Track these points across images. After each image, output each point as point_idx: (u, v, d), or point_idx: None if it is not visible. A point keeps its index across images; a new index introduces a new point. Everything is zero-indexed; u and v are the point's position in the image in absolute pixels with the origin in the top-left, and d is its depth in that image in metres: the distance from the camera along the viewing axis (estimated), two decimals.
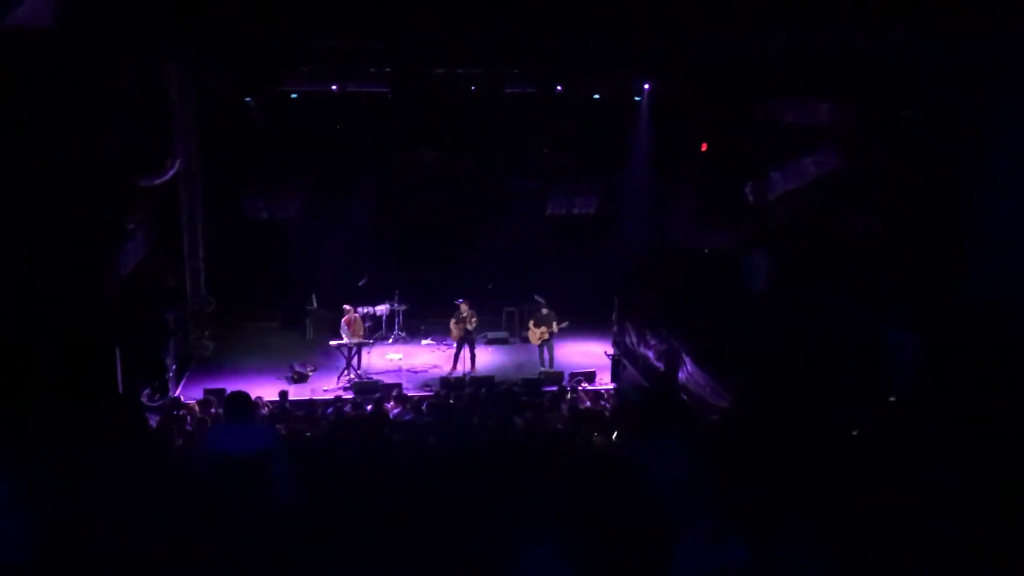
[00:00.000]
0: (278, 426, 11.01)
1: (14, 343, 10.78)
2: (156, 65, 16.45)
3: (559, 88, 18.83)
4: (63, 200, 12.22)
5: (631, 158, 20.50)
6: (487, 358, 18.60)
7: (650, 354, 15.93)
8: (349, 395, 15.69)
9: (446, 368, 17.89)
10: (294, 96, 18.81)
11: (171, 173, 17.38)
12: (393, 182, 20.29)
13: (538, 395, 14.85)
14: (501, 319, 20.42)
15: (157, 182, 16.95)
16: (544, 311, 17.75)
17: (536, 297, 18.54)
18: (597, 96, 19.61)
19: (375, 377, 17.14)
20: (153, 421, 13.11)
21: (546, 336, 17.66)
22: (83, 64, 11.66)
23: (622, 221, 21.02)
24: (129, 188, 15.64)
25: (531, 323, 17.88)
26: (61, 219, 12.24)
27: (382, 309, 19.73)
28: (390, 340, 19.61)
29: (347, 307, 17.81)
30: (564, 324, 17.70)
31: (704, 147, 19.77)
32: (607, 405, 14.37)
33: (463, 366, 17.69)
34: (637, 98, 19.96)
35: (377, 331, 19.53)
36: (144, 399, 14.46)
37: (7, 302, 11.05)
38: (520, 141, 20.20)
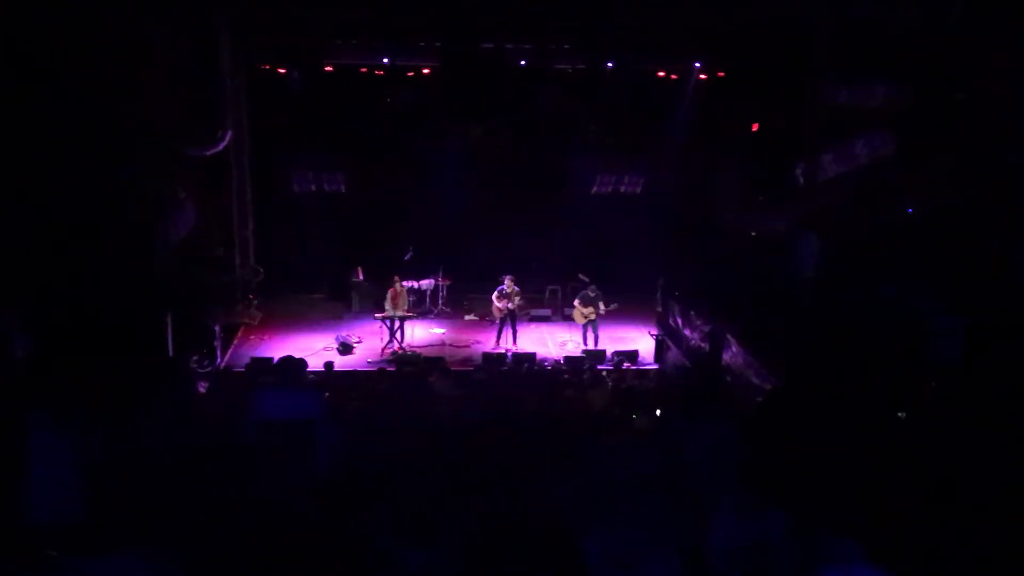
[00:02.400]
0: (325, 394, 11.18)
1: (69, 308, 11.08)
2: (208, 38, 16.69)
3: (609, 65, 18.68)
4: (117, 166, 12.50)
5: (679, 137, 20.31)
6: (529, 335, 18.68)
7: (694, 335, 15.87)
8: (392, 368, 15.86)
9: (488, 344, 18.00)
10: (340, 69, 18.92)
11: (222, 145, 17.62)
12: (440, 157, 20.32)
13: (580, 373, 14.87)
14: (544, 297, 20.45)
15: (209, 153, 17.21)
16: (591, 292, 17.68)
17: (580, 276, 18.51)
18: (647, 73, 19.45)
19: (418, 350, 17.28)
20: (202, 387, 13.41)
21: (592, 317, 17.65)
22: (133, 31, 11.87)
23: (669, 201, 20.87)
24: (182, 158, 15.91)
25: (577, 302, 17.86)
26: (115, 185, 12.53)
27: (426, 283, 19.84)
28: (433, 314, 19.74)
29: (396, 278, 17.97)
30: (612, 307, 17.68)
31: (755, 127, 19.52)
32: (650, 385, 14.36)
33: (505, 342, 17.77)
34: (687, 76, 19.75)
35: (421, 305, 19.67)
36: (193, 365, 14.74)
37: (61, 268, 11.35)
38: (568, 118, 20.12)
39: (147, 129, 13.78)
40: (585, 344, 17.75)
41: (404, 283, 18.48)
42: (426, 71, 18.94)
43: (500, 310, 17.81)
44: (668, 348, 16.92)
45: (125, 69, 13.02)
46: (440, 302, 19.97)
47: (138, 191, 13.28)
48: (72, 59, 11.17)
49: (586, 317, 17.74)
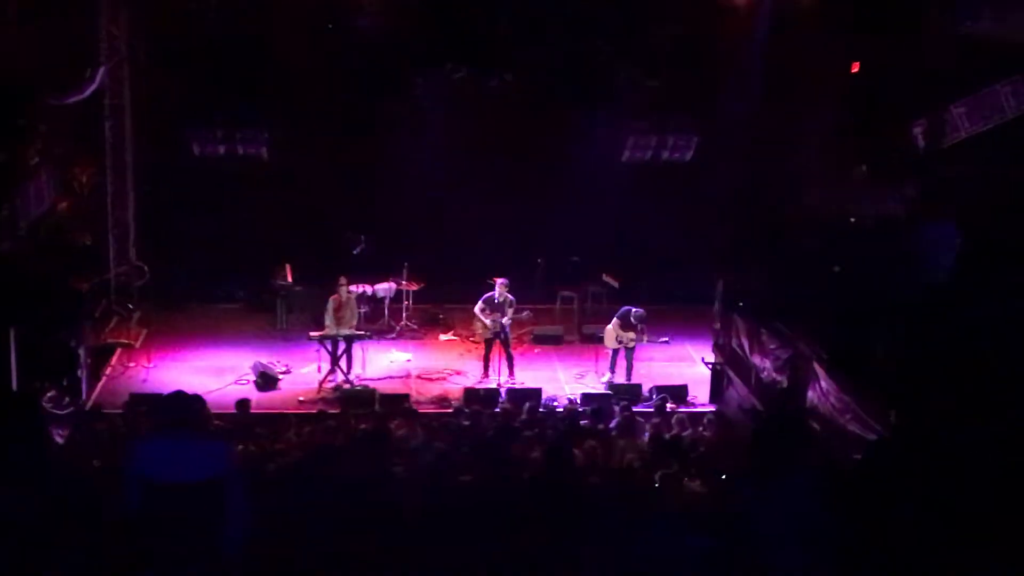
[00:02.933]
0: (236, 446, 11.08)
1: None
2: None
3: None
4: None
5: (746, 83, 20.27)
6: (532, 364, 18.53)
7: (767, 363, 15.81)
8: (335, 408, 15.73)
9: (473, 375, 17.91)
10: None
11: (91, 89, 17.56)
12: (404, 111, 20.25)
13: (605, 417, 14.77)
14: (555, 308, 20.37)
15: (72, 100, 17.14)
16: (636, 316, 17.46)
17: (605, 278, 18.48)
18: None
19: (372, 384, 17.21)
20: (59, 435, 13.27)
21: (630, 344, 17.60)
22: None
23: (731, 173, 20.84)
24: (34, 107, 15.85)
25: (616, 323, 17.76)
26: None
27: (384, 288, 19.71)
28: (394, 333, 19.65)
29: (342, 282, 17.88)
30: (664, 340, 17.82)
31: (855, 67, 19.51)
32: (704, 434, 14.29)
33: (497, 373, 17.72)
34: None
35: (377, 319, 19.54)
36: (48, 404, 14.65)
37: None
38: (591, 57, 20.01)
39: None
40: (613, 376, 17.71)
41: (353, 288, 18.37)
42: None
43: (490, 327, 17.75)
44: (729, 382, 16.86)
45: None
46: (404, 316, 19.89)
47: None
48: None
49: (621, 343, 17.65)
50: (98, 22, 17.42)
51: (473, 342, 18.97)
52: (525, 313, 18.12)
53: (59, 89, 16.79)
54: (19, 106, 15.44)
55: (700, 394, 17.12)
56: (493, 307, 17.66)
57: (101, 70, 17.71)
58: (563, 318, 20.29)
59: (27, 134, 15.70)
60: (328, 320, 17.70)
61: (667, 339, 17.91)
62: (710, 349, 17.98)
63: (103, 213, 19.21)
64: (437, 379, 17.93)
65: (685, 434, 14.08)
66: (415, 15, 19.24)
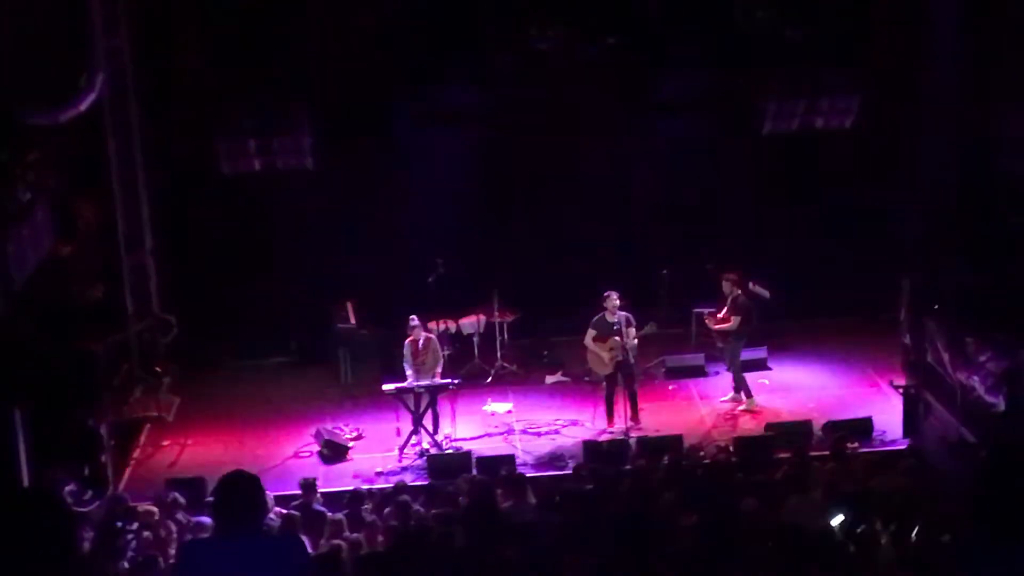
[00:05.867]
0: (303, 537, 11.15)
1: None
2: None
3: None
4: None
5: (929, 23, 19.99)
6: (666, 401, 18.54)
7: (977, 380, 15.62)
8: (422, 480, 15.77)
9: (593, 424, 17.92)
10: None
11: (88, 100, 17.79)
12: (481, 97, 20.40)
13: (768, 467, 14.75)
14: (689, 331, 20.30)
15: (66, 116, 17.38)
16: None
17: (752, 287, 18.35)
18: None
19: (466, 445, 17.29)
20: (87, 537, 13.44)
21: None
22: None
23: (910, 141, 20.60)
24: (19, 131, 16.08)
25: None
26: None
27: (471, 323, 19.84)
28: (488, 378, 19.73)
29: (414, 322, 17.96)
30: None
31: None
32: (900, 481, 14.10)
33: (624, 418, 17.69)
34: None
35: (465, 363, 19.66)
36: (69, 497, 14.84)
37: None
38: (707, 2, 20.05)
39: None
40: (749, 399, 17.90)
41: (432, 326, 18.44)
42: None
43: (607, 359, 17.70)
44: (928, 410, 16.67)
45: None
46: (499, 355, 19.95)
47: None
48: None
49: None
50: (90, 14, 17.55)
51: (588, 381, 18.95)
52: (649, 325, 18.00)
53: (49, 104, 16.95)
54: (1, 131, 15.65)
55: (890, 428, 16.94)
56: (607, 331, 17.59)
57: (99, 77, 17.89)
58: (701, 343, 20.19)
59: (14, 164, 15.90)
60: (406, 367, 17.79)
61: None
62: (898, 369, 17.86)
63: (115, 256, 19.42)
64: (547, 433, 17.99)
65: (873, 482, 13.91)
66: None
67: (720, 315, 18.03)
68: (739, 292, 18.00)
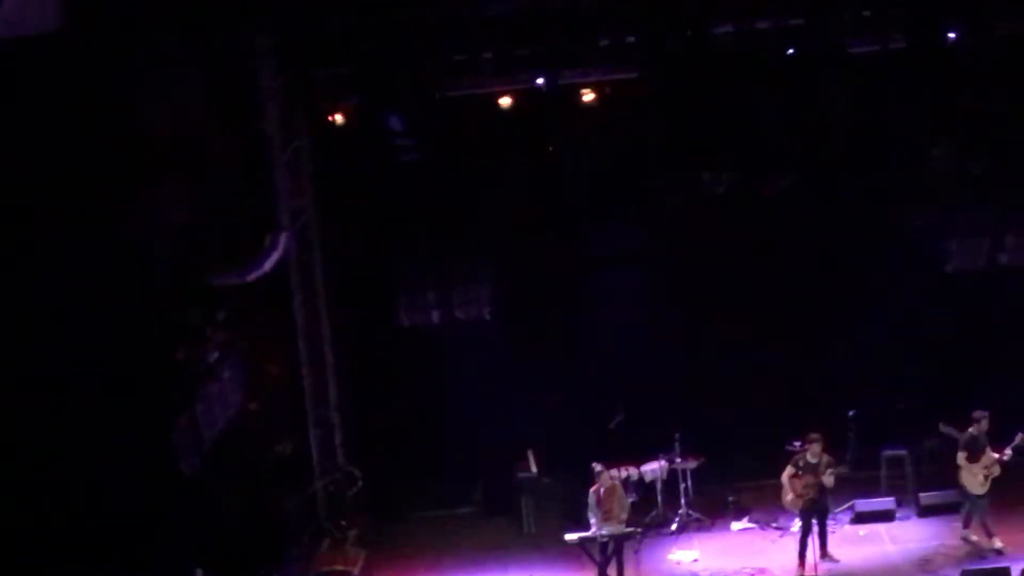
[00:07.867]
0: None
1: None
2: (239, 81, 17.36)
3: (951, 34, 18.49)
4: (92, 334, 12.99)
5: None
6: (856, 547, 18.09)
7: None
8: None
9: (786, 571, 17.59)
10: (466, 100, 19.28)
11: (273, 259, 18.12)
12: (652, 238, 20.50)
13: None
14: (880, 474, 19.78)
15: (252, 278, 17.70)
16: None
17: (943, 428, 17.93)
18: None
19: None
20: None
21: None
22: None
23: None
24: (205, 294, 16.42)
25: (963, 456, 17.25)
26: (92, 364, 13.00)
27: (653, 470, 19.58)
28: (673, 526, 19.44)
29: (597, 468, 17.83)
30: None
31: None
32: None
33: (816, 562, 17.24)
34: None
35: (649, 510, 19.40)
36: None
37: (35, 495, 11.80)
38: (883, 137, 19.81)
39: (136, 256, 14.38)
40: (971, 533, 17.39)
41: (616, 472, 18.29)
42: (608, 90, 19.21)
43: (798, 499, 17.37)
44: None
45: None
46: (683, 502, 19.70)
47: (132, 367, 13.77)
48: None
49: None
50: (273, 175, 17.89)
51: (776, 528, 18.64)
52: (840, 468, 17.76)
53: (234, 265, 17.27)
54: (192, 292, 15.99)
55: None
56: (805, 468, 17.31)
57: (283, 236, 18.21)
58: (891, 487, 19.74)
59: (204, 325, 16.20)
60: (591, 516, 17.63)
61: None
62: None
63: (299, 411, 19.66)
64: None
65: None
66: (651, 116, 19.41)
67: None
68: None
